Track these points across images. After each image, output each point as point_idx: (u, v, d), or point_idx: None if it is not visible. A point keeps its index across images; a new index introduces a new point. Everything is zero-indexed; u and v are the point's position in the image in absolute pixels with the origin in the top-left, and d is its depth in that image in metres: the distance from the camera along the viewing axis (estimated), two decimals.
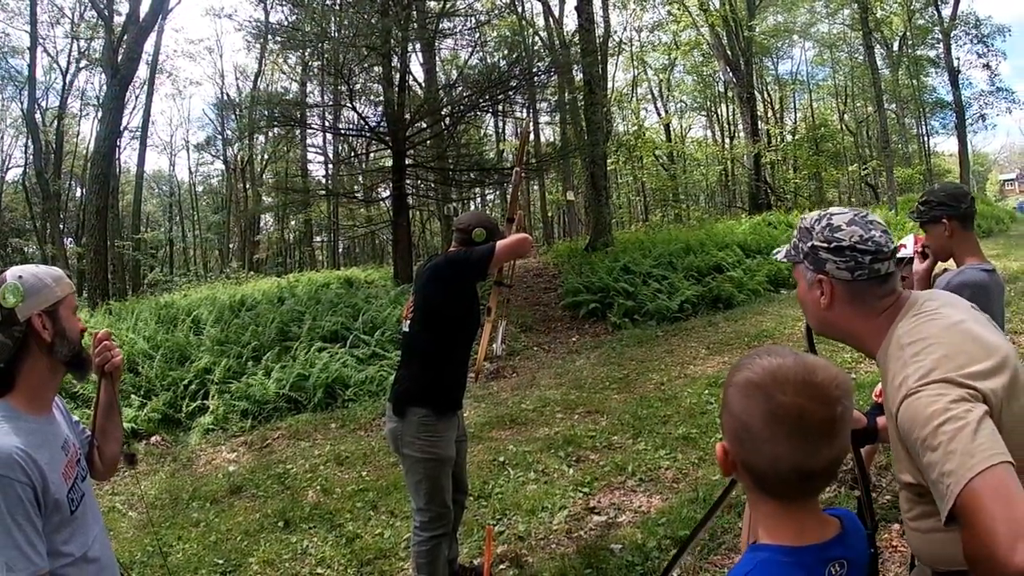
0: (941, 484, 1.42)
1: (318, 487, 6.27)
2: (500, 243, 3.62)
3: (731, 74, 29.57)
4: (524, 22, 29.21)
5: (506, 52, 20.09)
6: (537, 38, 29.37)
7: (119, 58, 17.29)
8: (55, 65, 32.99)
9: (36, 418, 1.96)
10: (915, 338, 1.65)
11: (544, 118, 31.08)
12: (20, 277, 1.97)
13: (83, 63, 32.47)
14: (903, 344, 1.66)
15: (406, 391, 3.73)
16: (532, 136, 31.20)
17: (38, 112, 30.60)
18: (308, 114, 18.66)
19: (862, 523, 1.91)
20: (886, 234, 1.78)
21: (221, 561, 5.00)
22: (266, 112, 17.28)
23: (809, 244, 1.84)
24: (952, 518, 1.42)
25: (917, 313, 1.73)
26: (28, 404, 1.96)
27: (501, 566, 4.41)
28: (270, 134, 28.98)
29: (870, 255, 1.74)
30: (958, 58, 32.40)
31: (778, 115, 41.19)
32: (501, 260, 3.69)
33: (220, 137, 38.48)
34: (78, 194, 35.20)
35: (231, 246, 39.23)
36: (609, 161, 26.67)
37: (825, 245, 1.79)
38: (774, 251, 2.12)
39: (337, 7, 15.75)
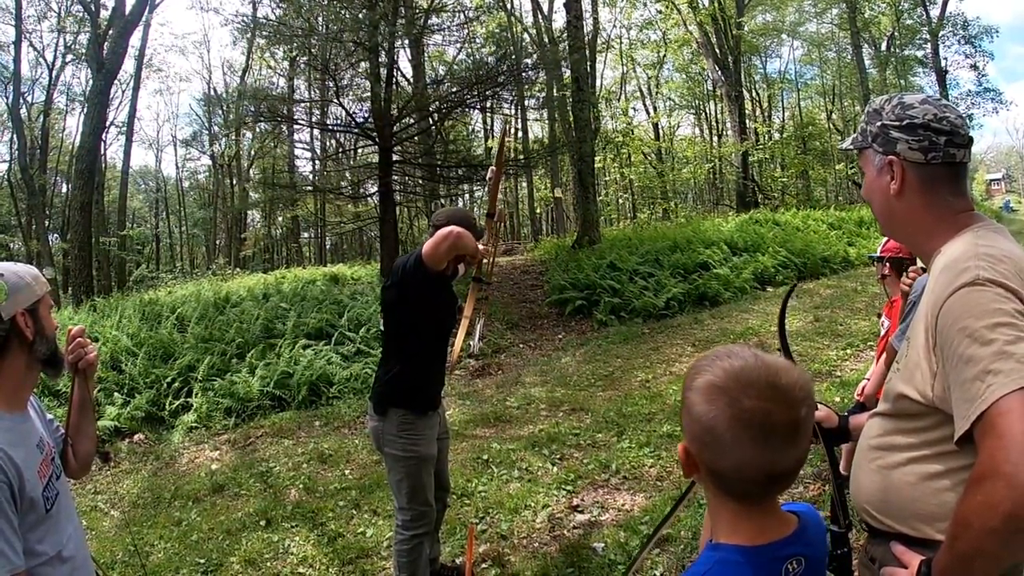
0: (979, 383, 1.33)
1: (301, 485, 6.24)
2: (426, 244, 3.41)
3: (719, 72, 29.60)
4: (512, 18, 29.18)
5: (494, 48, 20.10)
6: (525, 34, 29.37)
7: (104, 53, 17.18)
8: (41, 60, 32.75)
9: (12, 416, 1.95)
10: (997, 245, 1.55)
11: (532, 115, 31.18)
12: (2, 276, 1.96)
13: (69, 58, 32.25)
14: (978, 244, 1.55)
15: (383, 391, 3.72)
16: (520, 133, 31.16)
17: (23, 107, 30.38)
18: (295, 110, 18.65)
19: (836, 522, 1.89)
20: (962, 119, 1.66)
21: (202, 560, 4.97)
22: (253, 108, 17.19)
23: (879, 124, 1.72)
24: (967, 436, 1.35)
25: (998, 231, 1.63)
26: (4, 403, 1.94)
27: (483, 565, 4.39)
28: (257, 130, 28.88)
29: (945, 135, 1.62)
30: (945, 58, 32.52)
31: (766, 114, 41.29)
32: (432, 260, 3.39)
33: (207, 132, 38.38)
34: (63, 190, 34.97)
35: (218, 242, 39.11)
36: (597, 158, 26.67)
37: (896, 123, 1.67)
38: (840, 143, 2.02)
39: (324, 2, 15.66)
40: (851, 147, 1.82)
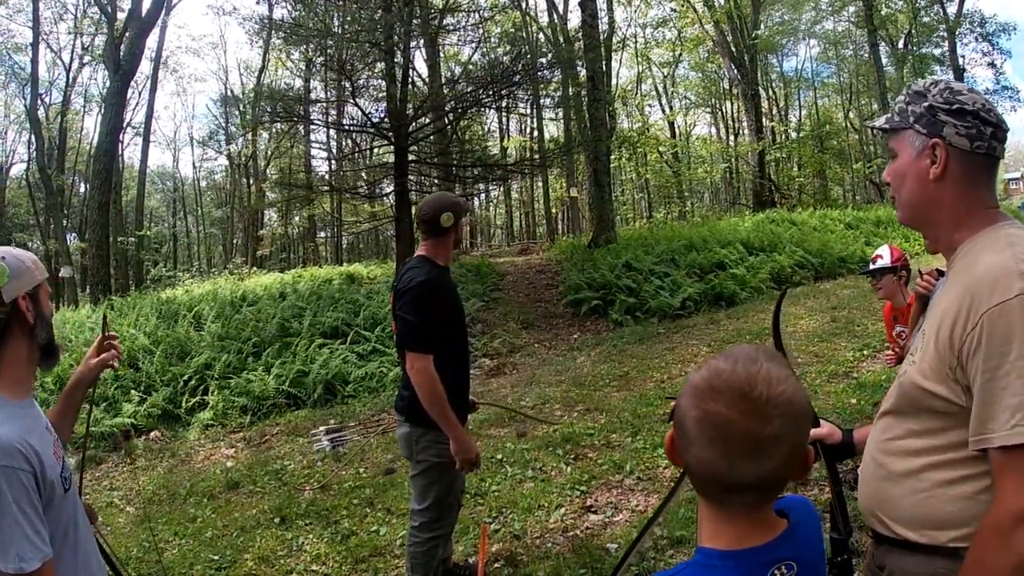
0: (1019, 414, 1.35)
1: (315, 483, 6.25)
2: (417, 380, 3.43)
3: (735, 71, 29.47)
4: (527, 17, 29.16)
5: (509, 47, 20.04)
6: (540, 34, 29.34)
7: (121, 54, 17.28)
8: (58, 61, 33.10)
9: (19, 403, 1.95)
10: None
11: (548, 114, 31.14)
12: (3, 259, 1.94)
13: (86, 59, 32.53)
14: (1015, 244, 1.50)
15: (417, 410, 3.57)
16: (535, 132, 31.03)
17: (41, 108, 30.66)
18: (311, 110, 18.68)
19: (836, 528, 1.86)
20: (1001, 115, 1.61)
21: (216, 557, 4.99)
22: (269, 108, 17.26)
23: (925, 105, 1.63)
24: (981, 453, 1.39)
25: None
26: (10, 390, 1.93)
27: (496, 564, 4.38)
28: (273, 130, 29.00)
29: (992, 127, 1.57)
30: (963, 56, 32.24)
31: (783, 112, 41.10)
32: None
33: (223, 133, 38.56)
34: (81, 189, 35.27)
35: (234, 241, 39.29)
36: (612, 157, 26.62)
37: (946, 106, 1.59)
38: (869, 120, 1.93)
39: (340, 2, 15.71)
40: (886, 126, 1.73)
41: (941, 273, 3.06)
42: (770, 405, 1.12)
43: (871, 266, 4.68)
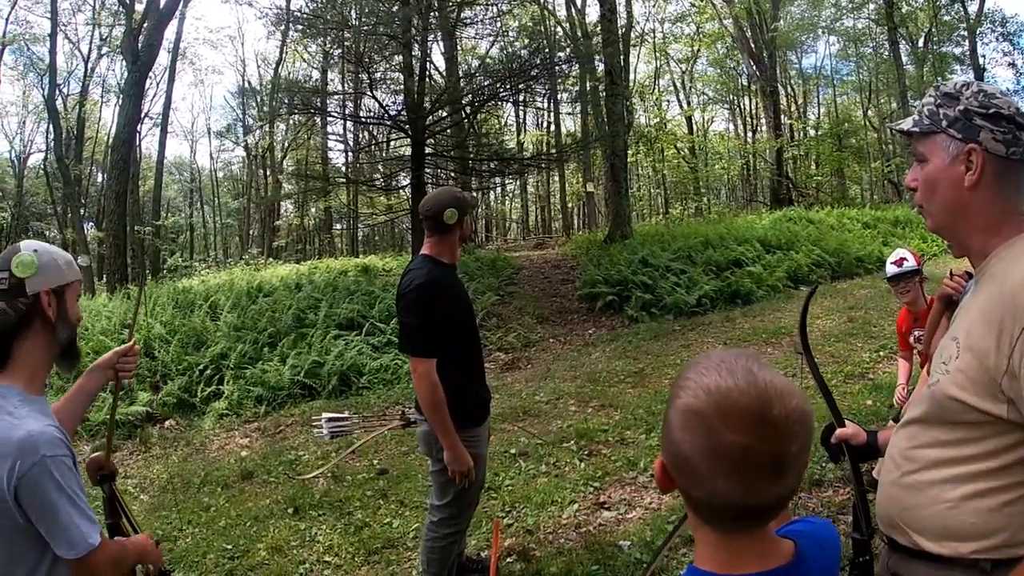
0: None
1: (328, 474, 6.26)
2: (417, 385, 3.43)
3: (754, 67, 29.31)
4: (545, 11, 29.08)
5: (527, 41, 20.04)
6: (558, 28, 29.25)
7: (139, 45, 17.33)
8: (76, 52, 33.27)
9: (36, 399, 1.97)
10: None
11: (565, 108, 31.08)
12: (35, 251, 1.98)
13: (104, 50, 32.67)
14: None
15: None
16: (552, 127, 30.93)
17: (59, 98, 30.80)
18: (328, 102, 18.68)
19: (858, 529, 1.84)
20: None
21: (229, 546, 5.00)
22: (286, 100, 17.31)
23: (960, 108, 1.56)
24: None
25: None
26: (28, 385, 1.96)
27: (508, 559, 4.37)
28: (291, 121, 29.08)
29: None
30: (983, 56, 31.93)
31: (801, 110, 40.83)
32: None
33: (241, 124, 38.68)
34: (99, 179, 35.50)
35: (251, 232, 39.46)
36: (630, 153, 26.54)
37: (982, 111, 1.53)
38: (894, 123, 1.84)
39: None
40: (915, 129, 1.64)
41: (970, 276, 3.02)
42: (790, 422, 1.03)
43: (896, 269, 4.53)
